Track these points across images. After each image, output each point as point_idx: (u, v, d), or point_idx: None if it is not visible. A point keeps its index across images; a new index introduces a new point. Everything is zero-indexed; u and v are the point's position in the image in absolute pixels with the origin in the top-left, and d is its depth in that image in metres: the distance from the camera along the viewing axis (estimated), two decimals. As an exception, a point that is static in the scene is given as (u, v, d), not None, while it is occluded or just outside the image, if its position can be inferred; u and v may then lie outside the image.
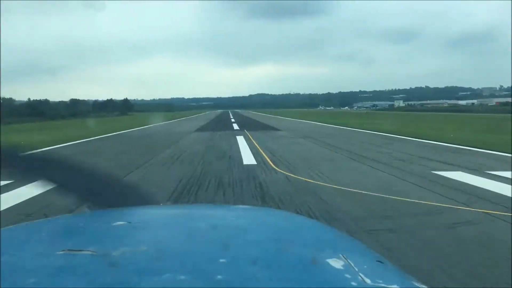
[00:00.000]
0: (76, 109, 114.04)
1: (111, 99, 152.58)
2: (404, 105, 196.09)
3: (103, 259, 0.51)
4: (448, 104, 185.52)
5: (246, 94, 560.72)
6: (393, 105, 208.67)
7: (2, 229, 0.64)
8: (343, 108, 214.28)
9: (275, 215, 0.96)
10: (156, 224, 0.71)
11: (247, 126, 28.61)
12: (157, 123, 35.98)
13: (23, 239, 0.62)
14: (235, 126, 28.53)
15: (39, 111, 64.74)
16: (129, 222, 0.66)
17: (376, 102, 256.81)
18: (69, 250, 0.54)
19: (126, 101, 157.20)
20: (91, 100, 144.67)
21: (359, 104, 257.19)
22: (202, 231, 0.66)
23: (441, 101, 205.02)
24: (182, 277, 0.46)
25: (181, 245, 0.60)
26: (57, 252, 0.53)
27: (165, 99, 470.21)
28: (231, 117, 53.09)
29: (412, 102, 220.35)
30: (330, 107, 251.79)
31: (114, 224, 0.65)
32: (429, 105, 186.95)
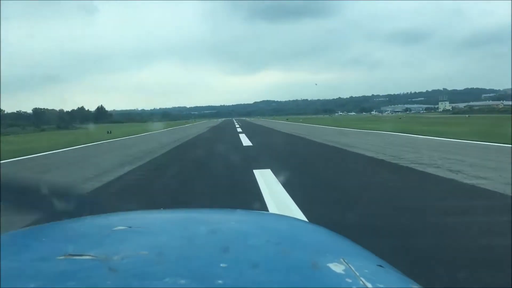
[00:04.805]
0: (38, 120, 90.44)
1: (82, 107, 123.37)
2: (450, 108, 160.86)
3: (103, 263, 0.50)
4: (504, 105, 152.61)
5: (251, 102, 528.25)
6: (436, 108, 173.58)
7: (2, 234, 0.64)
8: (373, 113, 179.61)
9: (275, 219, 0.95)
10: (157, 229, 0.71)
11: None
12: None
13: (24, 244, 0.62)
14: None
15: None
16: (130, 227, 0.66)
17: (409, 106, 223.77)
18: (69, 255, 0.54)
19: (100, 110, 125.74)
20: (56, 110, 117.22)
21: (389, 109, 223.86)
22: (202, 235, 0.66)
23: (495, 102, 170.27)
24: (183, 281, 0.45)
25: (181, 249, 0.59)
26: (58, 257, 0.53)
27: (166, 108, 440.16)
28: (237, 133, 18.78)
29: (454, 104, 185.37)
30: (352, 112, 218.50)
31: (114, 228, 0.65)
32: (476, 107, 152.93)
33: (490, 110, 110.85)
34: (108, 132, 29.25)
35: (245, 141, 16.33)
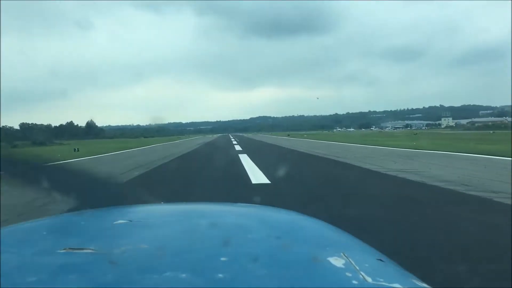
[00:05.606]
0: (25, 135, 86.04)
1: (71, 122, 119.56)
2: (453, 124, 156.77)
3: (104, 257, 0.50)
4: (508, 121, 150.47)
5: (247, 117, 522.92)
6: (439, 124, 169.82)
7: (2, 228, 0.64)
8: (373, 129, 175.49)
9: (276, 213, 0.95)
10: (157, 222, 0.71)
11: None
12: None
13: (24, 238, 0.63)
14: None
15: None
16: (130, 221, 0.66)
17: (409, 122, 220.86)
18: (70, 248, 0.53)
19: (90, 125, 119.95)
20: (44, 125, 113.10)
21: (389, 125, 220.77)
22: (202, 229, 0.66)
23: (498, 118, 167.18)
24: (183, 275, 0.45)
25: (182, 243, 0.59)
26: (59, 251, 0.53)
27: (161, 124, 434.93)
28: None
29: (456, 121, 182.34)
30: (351, 128, 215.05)
31: (115, 222, 0.65)
32: (489, 123, 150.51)
33: (505, 126, 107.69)
34: (75, 150, 25.47)
35: (254, 172, 9.27)
